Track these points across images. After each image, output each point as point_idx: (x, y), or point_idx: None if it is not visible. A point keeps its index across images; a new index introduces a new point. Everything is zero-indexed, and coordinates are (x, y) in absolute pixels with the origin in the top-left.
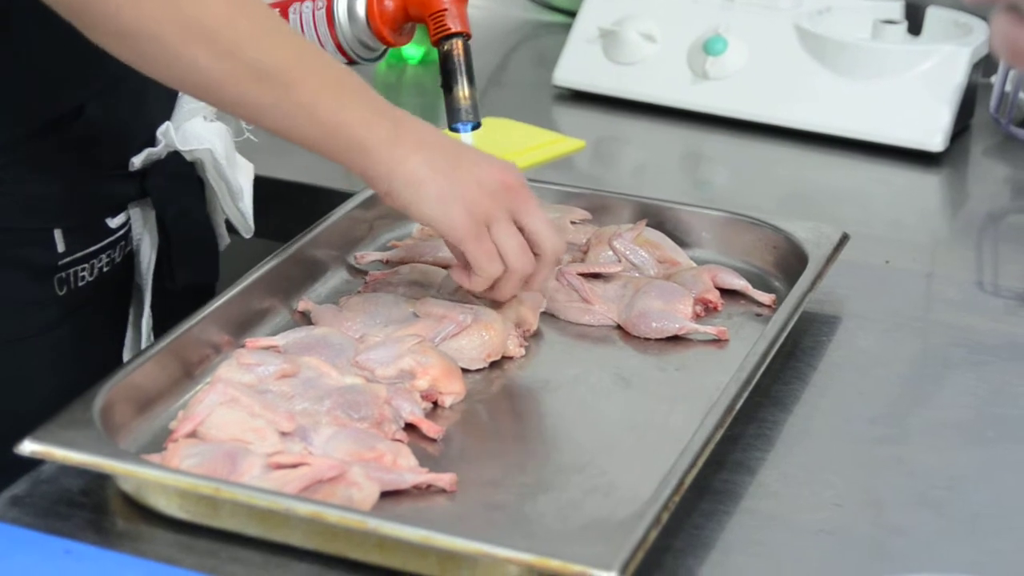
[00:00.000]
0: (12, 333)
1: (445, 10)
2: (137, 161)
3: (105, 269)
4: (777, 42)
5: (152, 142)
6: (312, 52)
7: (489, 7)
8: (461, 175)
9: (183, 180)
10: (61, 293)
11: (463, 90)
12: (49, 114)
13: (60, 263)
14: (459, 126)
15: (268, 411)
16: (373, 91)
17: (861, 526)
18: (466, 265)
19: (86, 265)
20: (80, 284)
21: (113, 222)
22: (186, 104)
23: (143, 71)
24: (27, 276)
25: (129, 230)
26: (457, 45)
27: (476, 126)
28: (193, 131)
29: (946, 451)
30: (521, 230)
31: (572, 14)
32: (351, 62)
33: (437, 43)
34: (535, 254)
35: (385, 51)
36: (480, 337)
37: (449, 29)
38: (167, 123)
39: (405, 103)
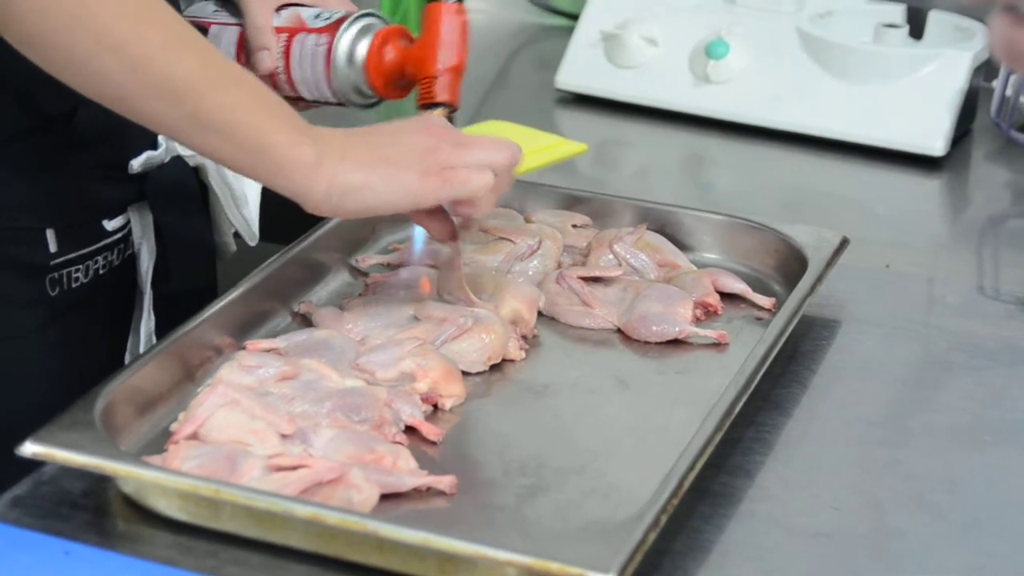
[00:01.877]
0: (2, 332)
1: (435, 78)
2: (136, 164)
3: (102, 271)
4: (779, 46)
5: (154, 145)
6: (230, 69)
7: (491, 10)
8: (393, 155)
9: (183, 185)
10: (53, 293)
11: None
12: (40, 115)
13: (52, 263)
14: None
15: (268, 413)
16: (288, 107)
17: (859, 529)
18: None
19: (80, 266)
20: (74, 285)
21: (110, 224)
22: None
23: (58, 79)
24: (17, 275)
25: (129, 233)
26: (439, 117)
27: None
28: None
29: (945, 455)
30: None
31: (574, 17)
32: (340, 104)
33: (422, 108)
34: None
35: (379, 101)
36: (480, 340)
37: (434, 98)
38: None
39: (407, 110)
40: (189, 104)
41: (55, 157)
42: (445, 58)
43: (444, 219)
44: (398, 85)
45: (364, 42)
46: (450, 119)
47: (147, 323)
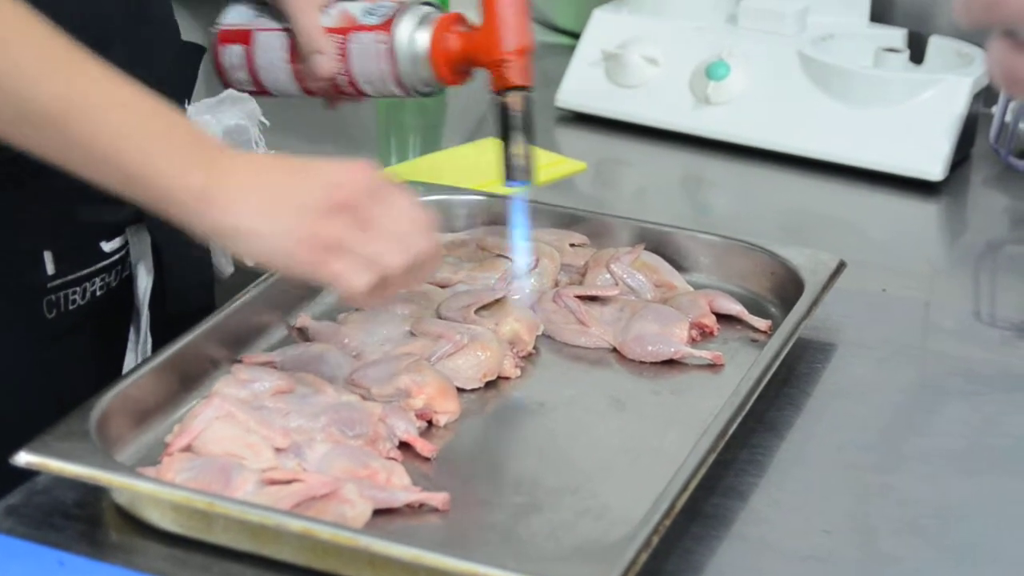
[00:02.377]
0: (3, 355)
1: (507, 61)
2: None
3: (99, 293)
4: (779, 68)
5: None
6: (113, 92)
7: None
8: (286, 211)
9: None
10: (50, 316)
11: (519, 147)
12: None
13: (50, 285)
14: (512, 184)
15: (263, 427)
16: (196, 132)
17: (851, 553)
18: None
19: (78, 288)
20: (71, 307)
21: (108, 246)
22: None
23: None
24: (13, 298)
25: (127, 254)
26: (516, 99)
27: (527, 184)
28: None
29: (938, 480)
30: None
31: (576, 36)
32: (408, 95)
33: (497, 93)
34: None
35: (443, 88)
36: (476, 357)
37: (509, 82)
38: None
39: (410, 122)
40: (53, 130)
41: (53, 179)
42: (512, 40)
43: None
44: (464, 71)
45: (425, 34)
46: (526, 103)
47: (143, 344)
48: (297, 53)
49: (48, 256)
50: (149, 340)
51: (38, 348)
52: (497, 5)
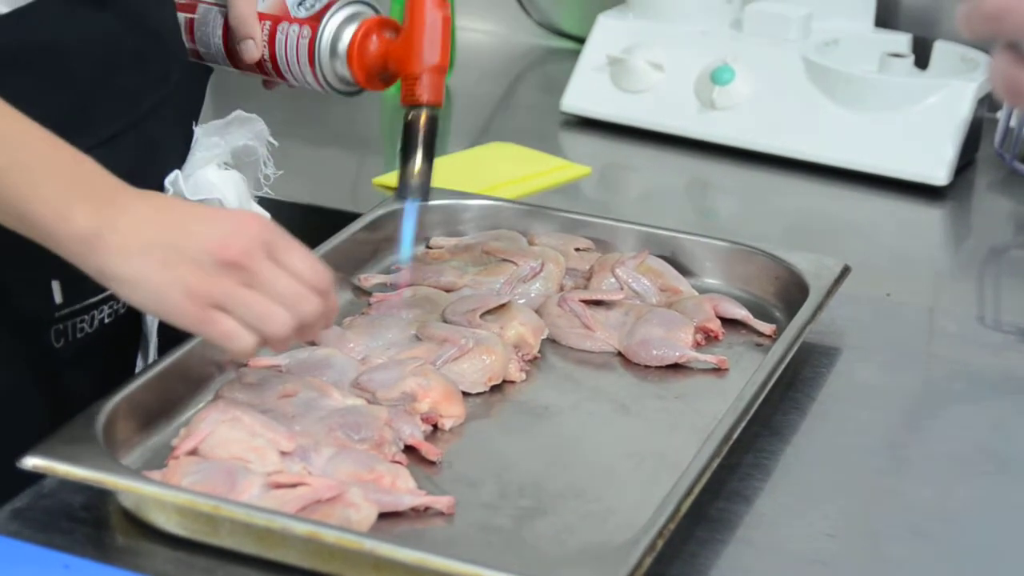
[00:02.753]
0: (7, 387)
1: (418, 78)
2: None
3: (107, 320)
4: (784, 73)
5: (161, 190)
6: (12, 128)
7: (499, 32)
8: (174, 262)
9: None
10: (59, 345)
11: (416, 165)
12: None
13: (58, 315)
14: (405, 200)
15: (269, 430)
16: (88, 170)
17: (856, 557)
18: None
19: (86, 317)
20: (79, 336)
21: None
22: (199, 152)
23: None
24: (22, 328)
25: None
26: (421, 117)
27: (421, 201)
28: (205, 179)
29: (942, 484)
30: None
31: (581, 41)
32: (325, 91)
33: (405, 107)
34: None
35: (361, 90)
36: (481, 361)
37: (417, 99)
38: (176, 171)
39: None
40: None
41: None
42: (428, 56)
43: None
44: (381, 78)
45: (347, 32)
46: (434, 119)
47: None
48: (230, 35)
49: (56, 286)
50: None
51: (46, 377)
52: (419, 19)
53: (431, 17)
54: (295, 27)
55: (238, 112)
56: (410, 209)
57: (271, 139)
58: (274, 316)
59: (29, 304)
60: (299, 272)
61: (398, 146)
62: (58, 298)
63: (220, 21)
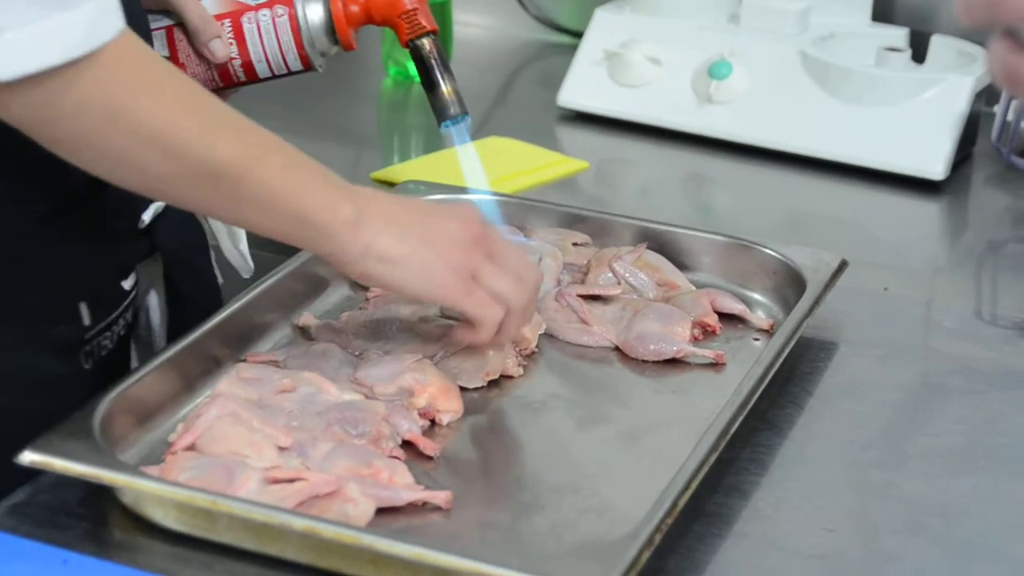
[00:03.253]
0: (41, 414)
1: (415, 10)
2: (147, 216)
3: (122, 333)
4: (781, 67)
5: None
6: (263, 140)
7: (495, 27)
8: (432, 240)
9: (188, 231)
10: (87, 367)
11: (446, 86)
12: (67, 187)
13: (86, 336)
14: (450, 122)
15: (267, 426)
16: (326, 169)
17: (853, 551)
18: (467, 321)
19: (108, 333)
20: (103, 354)
21: (127, 283)
22: None
23: (91, 171)
24: (54, 354)
25: (137, 289)
26: (431, 43)
27: (465, 117)
28: None
29: (939, 478)
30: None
31: (578, 35)
32: (309, 69)
33: (409, 44)
34: None
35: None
36: (479, 356)
37: (423, 28)
38: None
39: (412, 121)
40: (227, 185)
41: (83, 228)
42: None
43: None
44: (357, 36)
45: (319, 2)
46: (438, 44)
47: None
48: (177, 47)
49: (84, 307)
50: None
51: (76, 399)
52: None
53: None
54: (264, 12)
55: None
56: (461, 131)
57: None
58: (515, 288)
59: (61, 329)
60: (517, 251)
61: (421, 80)
62: (86, 320)
63: (165, 38)
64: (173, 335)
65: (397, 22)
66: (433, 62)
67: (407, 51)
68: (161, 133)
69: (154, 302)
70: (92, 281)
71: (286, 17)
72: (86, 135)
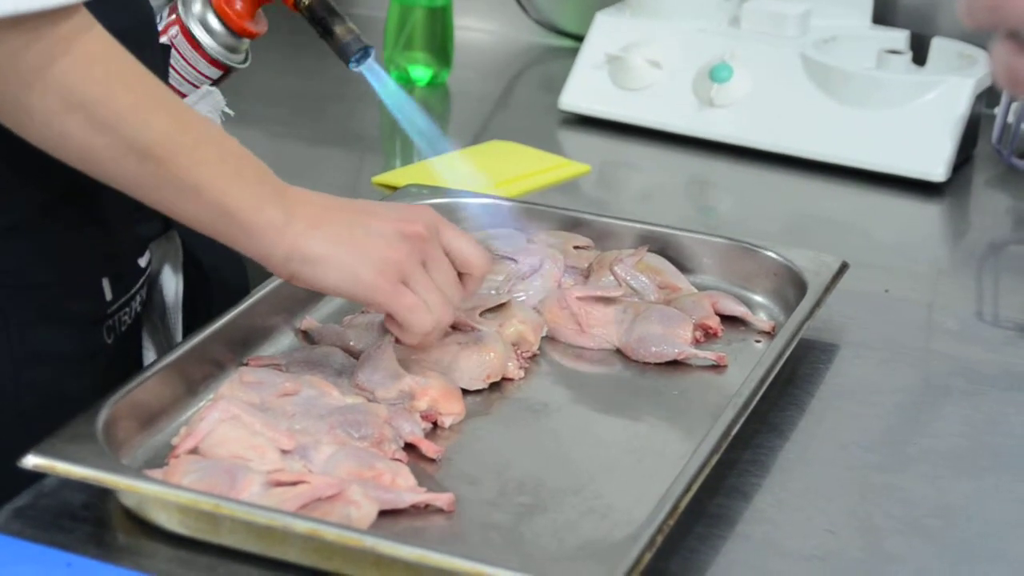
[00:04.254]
0: (63, 390)
1: None
2: None
3: (138, 310)
4: (782, 70)
5: None
6: (201, 128)
7: (497, 31)
8: (362, 240)
9: None
10: (109, 341)
11: (341, 27)
12: None
13: (109, 311)
14: (354, 60)
15: (269, 429)
16: (264, 168)
17: (854, 553)
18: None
19: (127, 308)
20: (123, 329)
21: (142, 261)
22: None
23: (19, 134)
24: (79, 329)
25: (150, 267)
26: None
27: (369, 51)
28: None
29: (941, 480)
30: (449, 254)
31: (579, 39)
32: (227, 72)
33: (296, 5)
34: (462, 274)
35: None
36: (481, 358)
37: None
38: None
39: (449, 140)
40: (154, 166)
41: (108, 205)
42: None
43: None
44: (258, 19)
45: (205, 5)
46: None
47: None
48: None
49: (106, 283)
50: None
51: (98, 373)
52: None
53: None
54: (173, 28)
55: (204, 87)
56: (371, 66)
57: (226, 109)
58: (447, 300)
59: (85, 305)
60: (463, 252)
61: (318, 32)
62: (108, 295)
63: None
64: (195, 311)
65: None
66: (324, 10)
67: (408, 56)
68: (91, 102)
69: (169, 281)
70: (113, 258)
71: (180, 36)
72: (13, 93)
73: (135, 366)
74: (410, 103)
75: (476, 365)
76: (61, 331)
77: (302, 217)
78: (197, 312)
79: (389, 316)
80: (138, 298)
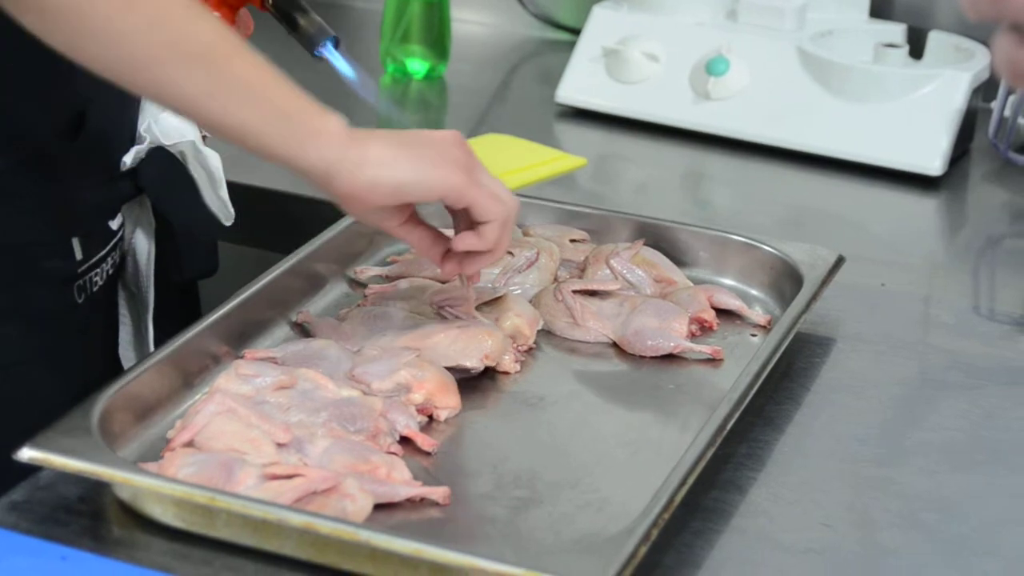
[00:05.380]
0: (38, 347)
1: None
2: (128, 160)
3: (110, 272)
4: (779, 64)
5: (134, 139)
6: (239, 39)
7: (494, 24)
8: (422, 142)
9: (173, 172)
10: (80, 301)
11: (305, 17)
12: (58, 122)
13: (79, 271)
14: (322, 48)
15: (265, 422)
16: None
17: (850, 546)
18: (468, 227)
19: (98, 270)
20: (94, 290)
21: (114, 224)
22: None
23: (63, 49)
24: (50, 287)
25: (123, 231)
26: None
27: (336, 41)
28: (171, 124)
29: (937, 474)
30: None
31: (576, 32)
32: None
33: (262, 3)
34: None
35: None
36: (480, 339)
37: None
38: (149, 119)
39: (408, 117)
40: (217, 67)
41: (73, 164)
42: None
43: (447, 251)
44: (241, 22)
45: None
46: None
47: (151, 318)
48: None
49: (76, 243)
50: (151, 320)
51: (73, 333)
52: None
53: None
54: None
55: None
56: (333, 53)
57: None
58: (507, 192)
59: (55, 264)
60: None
61: (286, 28)
62: (79, 254)
63: None
64: (165, 272)
65: None
66: (284, 6)
67: (405, 49)
68: (144, 4)
69: (142, 245)
70: (82, 218)
71: None
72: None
73: (110, 328)
74: (373, 86)
75: (475, 345)
76: (32, 289)
77: (358, 129)
78: (169, 276)
79: (460, 216)
80: (110, 259)
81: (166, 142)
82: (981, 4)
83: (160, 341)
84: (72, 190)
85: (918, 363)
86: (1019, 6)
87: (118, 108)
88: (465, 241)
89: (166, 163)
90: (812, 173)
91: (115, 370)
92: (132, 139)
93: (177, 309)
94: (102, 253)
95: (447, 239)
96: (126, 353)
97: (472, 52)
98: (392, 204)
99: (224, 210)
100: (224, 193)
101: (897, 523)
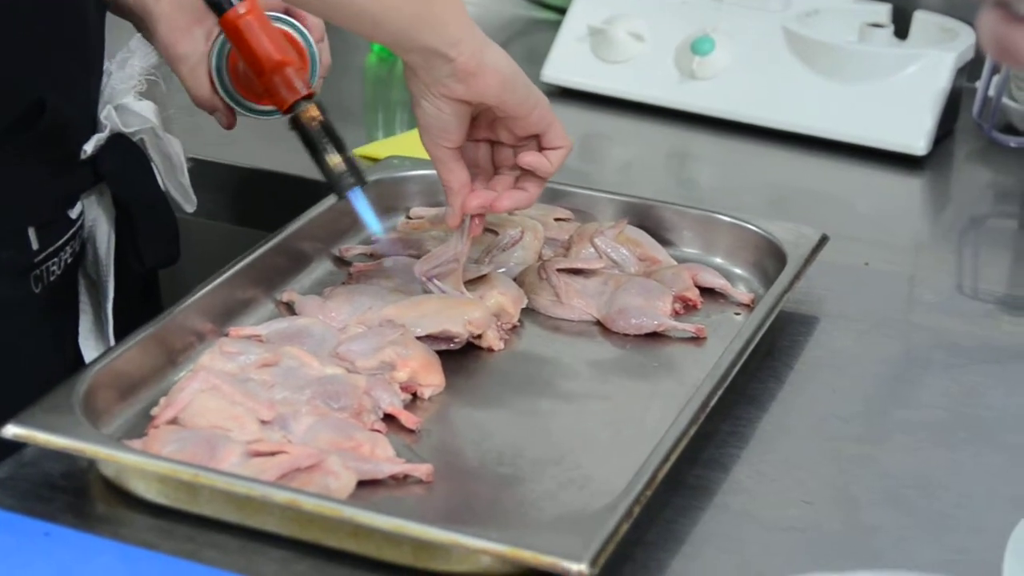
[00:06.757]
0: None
1: (268, 88)
2: (88, 148)
3: (69, 261)
4: (764, 43)
5: (95, 127)
6: None
7: (481, 3)
8: None
9: (134, 160)
10: (37, 291)
11: (334, 156)
12: (13, 111)
13: (35, 260)
14: (349, 194)
15: (249, 399)
16: None
17: (831, 524)
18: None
19: (56, 259)
20: (52, 279)
21: (73, 213)
22: (115, 84)
23: None
24: (6, 278)
25: (83, 219)
26: (309, 111)
27: (364, 183)
28: (130, 110)
29: (918, 451)
30: None
31: (562, 11)
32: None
33: (287, 113)
34: None
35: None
36: (464, 310)
37: (298, 93)
38: (108, 106)
39: (396, 97)
40: None
41: (30, 154)
42: (272, 57)
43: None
44: (258, 90)
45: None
46: (320, 108)
47: (111, 305)
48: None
49: (32, 232)
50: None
51: (30, 323)
52: (237, 35)
53: (247, 30)
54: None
55: (136, 38)
56: (356, 196)
57: (151, 77)
58: None
59: (10, 254)
60: None
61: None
62: (35, 244)
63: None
64: (124, 260)
65: (268, 92)
66: (314, 132)
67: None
68: None
69: (103, 234)
70: (38, 208)
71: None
72: None
73: (70, 317)
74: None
75: (460, 313)
76: None
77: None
78: (130, 265)
79: (524, 154)
80: (68, 249)
81: (126, 129)
82: None
83: (121, 331)
84: (29, 180)
85: (901, 341)
86: None
87: (79, 96)
88: (531, 158)
89: (126, 151)
90: (797, 152)
91: (76, 359)
92: (93, 127)
93: (139, 298)
94: (59, 243)
95: (471, 186)
96: (86, 342)
97: None
98: (493, 96)
99: (186, 195)
100: (185, 179)
101: (879, 500)
